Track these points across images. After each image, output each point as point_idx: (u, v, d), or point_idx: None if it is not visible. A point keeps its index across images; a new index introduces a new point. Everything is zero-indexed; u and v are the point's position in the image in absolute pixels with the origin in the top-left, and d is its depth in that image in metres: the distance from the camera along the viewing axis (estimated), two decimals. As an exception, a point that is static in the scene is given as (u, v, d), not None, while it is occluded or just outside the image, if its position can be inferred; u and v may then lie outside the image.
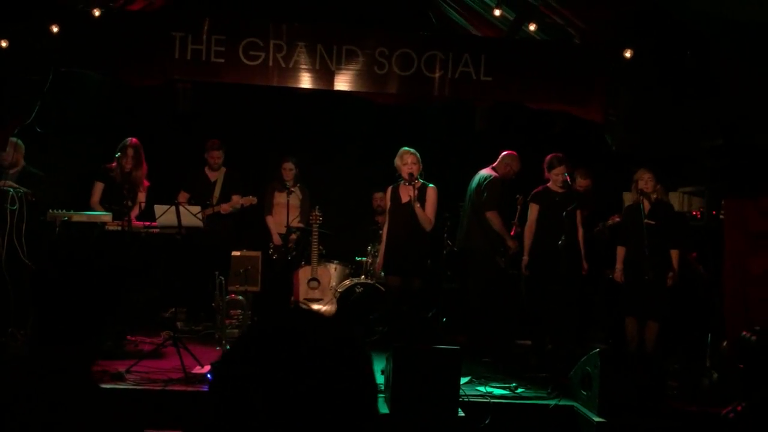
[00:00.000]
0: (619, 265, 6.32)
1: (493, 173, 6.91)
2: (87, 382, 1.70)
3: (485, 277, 6.78)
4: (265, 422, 0.97)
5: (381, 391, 5.02)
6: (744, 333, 5.16)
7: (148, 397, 4.76)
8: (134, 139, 6.67)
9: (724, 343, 5.86)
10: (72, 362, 1.72)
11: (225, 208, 7.15)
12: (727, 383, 5.55)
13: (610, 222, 7.04)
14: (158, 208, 6.18)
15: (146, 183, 6.75)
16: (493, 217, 6.70)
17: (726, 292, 6.14)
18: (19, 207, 5.91)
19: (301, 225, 7.53)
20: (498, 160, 7.02)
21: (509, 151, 7.04)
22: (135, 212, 6.49)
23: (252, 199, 7.20)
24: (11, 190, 5.94)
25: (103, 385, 4.79)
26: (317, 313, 1.18)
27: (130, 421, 1.68)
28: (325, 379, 1.00)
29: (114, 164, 6.67)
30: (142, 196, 6.65)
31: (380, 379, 5.23)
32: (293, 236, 7.56)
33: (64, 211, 6.02)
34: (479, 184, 6.87)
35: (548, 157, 6.54)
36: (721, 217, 6.54)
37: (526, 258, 6.48)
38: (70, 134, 7.50)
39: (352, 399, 1.02)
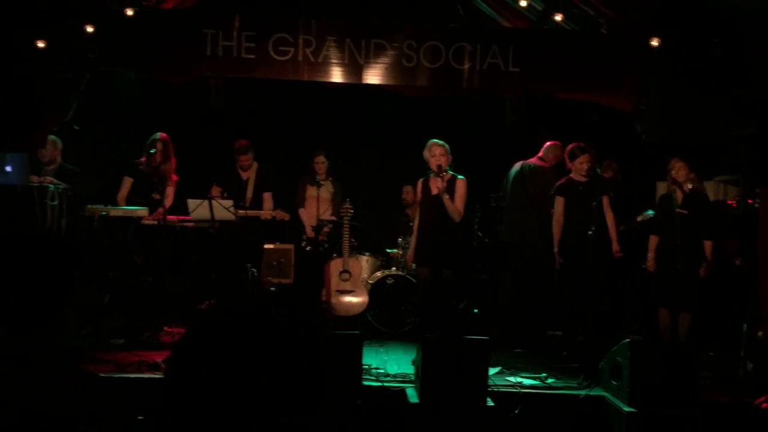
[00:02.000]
0: (651, 254, 6.27)
1: (544, 164, 6.92)
2: (69, 367, 1.69)
3: (539, 269, 6.76)
4: (216, 404, 0.99)
5: (411, 381, 5.08)
6: (777, 323, 5.09)
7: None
8: (163, 134, 6.74)
9: (760, 333, 5.79)
10: (32, 350, 1.69)
11: (265, 216, 7.17)
12: (762, 373, 5.49)
13: (639, 218, 6.99)
14: (191, 202, 6.30)
15: (175, 177, 6.83)
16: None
17: (761, 280, 6.06)
18: (59, 203, 6.10)
19: (332, 218, 7.61)
20: (544, 150, 7.01)
21: (553, 141, 7.03)
22: (161, 210, 6.50)
23: (285, 215, 7.25)
24: (51, 186, 6.12)
25: (141, 375, 4.95)
26: (273, 294, 1.19)
27: (119, 407, 1.67)
28: (275, 360, 1.02)
29: (143, 159, 6.77)
30: (170, 191, 6.73)
31: (410, 369, 5.29)
32: (326, 229, 7.65)
33: (102, 206, 6.18)
34: (536, 175, 6.86)
35: (570, 147, 6.47)
36: (756, 205, 6.45)
37: (556, 251, 6.46)
38: (106, 132, 7.70)
39: (302, 381, 1.03)
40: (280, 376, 1.02)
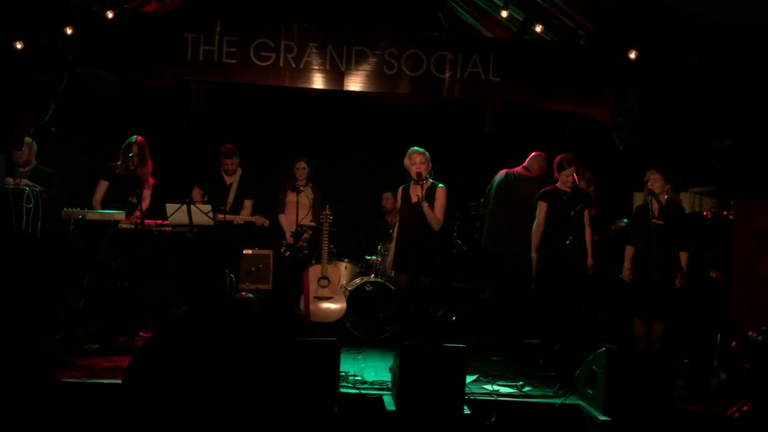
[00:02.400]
0: (627, 264, 6.34)
1: (530, 174, 6.99)
2: (36, 374, 1.67)
3: (521, 277, 6.79)
4: (173, 412, 0.99)
5: (388, 389, 5.08)
6: (750, 333, 5.15)
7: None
8: (139, 137, 6.69)
9: (733, 343, 5.86)
10: (17, 354, 1.68)
11: (238, 221, 7.15)
12: (735, 383, 5.55)
13: (613, 227, 7.06)
14: (170, 207, 6.26)
15: (151, 180, 6.78)
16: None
17: (734, 291, 6.14)
18: (35, 205, 6.03)
19: (312, 224, 7.60)
20: (530, 160, 7.09)
21: (538, 152, 7.11)
22: (137, 211, 6.45)
23: (264, 221, 7.24)
24: (27, 188, 6.06)
25: (116, 381, 4.90)
26: (243, 302, 1.19)
27: (89, 415, 1.65)
28: (233, 368, 1.02)
29: (119, 162, 6.71)
30: (147, 194, 6.67)
31: (388, 376, 5.29)
32: (305, 235, 7.63)
33: (78, 209, 6.12)
34: (521, 186, 6.92)
35: (558, 158, 6.57)
36: (731, 217, 6.54)
37: (534, 256, 6.51)
38: (83, 134, 7.63)
39: (260, 389, 1.04)
40: (238, 384, 1.02)
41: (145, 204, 6.62)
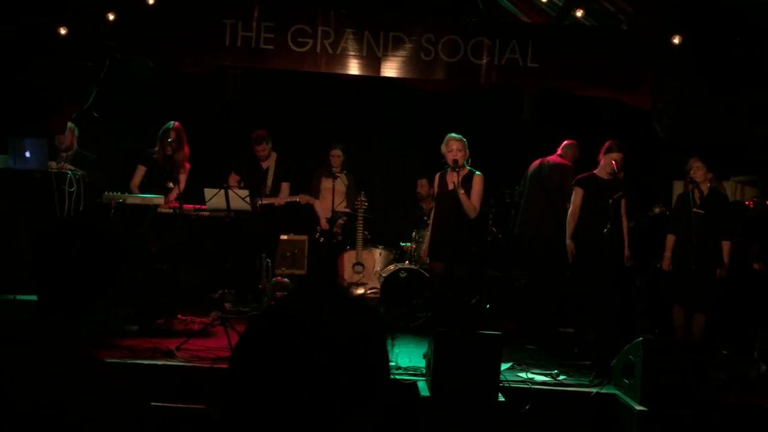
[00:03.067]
0: (667, 254, 6.24)
1: (566, 162, 6.92)
2: (85, 352, 1.73)
3: (555, 265, 6.75)
4: (279, 400, 1.00)
5: (422, 375, 5.10)
6: (792, 325, 5.06)
7: (197, 373, 4.92)
8: (176, 123, 6.75)
9: (774, 335, 5.76)
10: (68, 331, 1.75)
11: (279, 202, 7.21)
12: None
13: (650, 214, 6.94)
14: (208, 192, 6.33)
15: (188, 165, 6.84)
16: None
17: (777, 283, 6.02)
18: (77, 189, 6.15)
19: (347, 210, 7.63)
20: (564, 148, 7.01)
21: (571, 141, 7.04)
22: (174, 194, 6.52)
23: (309, 198, 7.27)
24: (69, 172, 6.18)
25: (154, 362, 5.00)
26: (349, 296, 1.20)
27: (130, 395, 1.70)
28: (338, 360, 1.03)
29: (156, 148, 6.79)
30: (182, 178, 6.74)
31: (422, 362, 5.30)
32: (340, 221, 7.67)
33: (118, 193, 6.23)
34: (555, 172, 6.87)
35: (609, 142, 6.41)
36: (774, 207, 6.40)
37: (570, 243, 6.41)
38: (123, 120, 7.74)
39: (361, 383, 1.05)
40: (344, 366, 1.03)
41: (181, 187, 6.69)
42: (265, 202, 6.99)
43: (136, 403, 1.74)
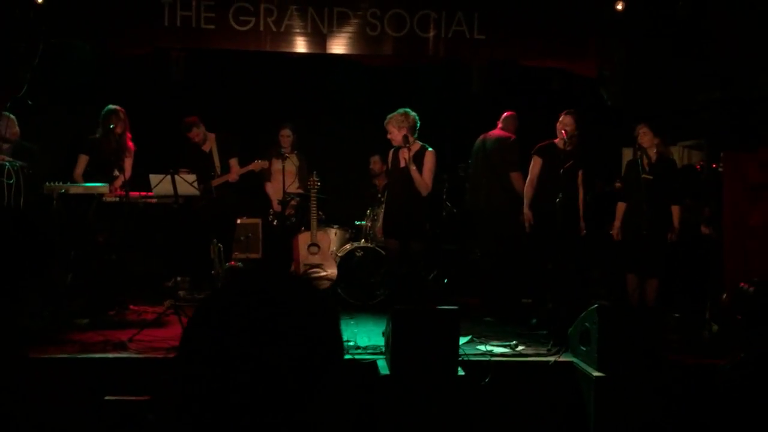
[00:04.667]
0: (617, 222, 6.31)
1: (507, 134, 6.90)
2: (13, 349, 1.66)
3: (507, 236, 6.78)
4: (228, 387, 0.96)
5: (382, 353, 5.07)
6: (742, 285, 5.17)
7: (152, 364, 4.80)
8: (117, 107, 6.52)
9: (724, 296, 5.88)
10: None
11: (233, 177, 7.07)
12: (727, 335, 5.57)
13: (617, 185, 7.01)
14: (154, 178, 6.16)
15: (132, 147, 6.63)
16: (518, 178, 6.70)
17: (725, 244, 6.14)
18: (16, 180, 5.92)
19: (299, 191, 7.52)
20: (504, 120, 6.99)
21: (510, 112, 7.02)
22: (119, 182, 6.33)
23: (264, 163, 7.17)
24: (7, 163, 5.93)
25: (106, 355, 4.86)
26: (287, 275, 1.15)
27: (59, 390, 1.63)
28: (288, 342, 0.99)
29: (97, 135, 6.56)
30: (128, 162, 6.53)
31: (381, 341, 5.27)
32: (293, 202, 7.57)
33: (60, 183, 6.01)
34: (498, 146, 6.85)
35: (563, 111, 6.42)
36: (720, 170, 6.51)
37: (528, 212, 6.42)
38: (62, 106, 7.46)
39: (314, 365, 1.01)
40: (291, 360, 0.99)
41: (127, 173, 6.49)
42: (219, 182, 6.84)
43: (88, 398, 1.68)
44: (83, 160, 6.52)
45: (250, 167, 7.07)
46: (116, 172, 6.38)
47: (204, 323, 1.03)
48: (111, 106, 6.43)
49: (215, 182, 6.77)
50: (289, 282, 1.08)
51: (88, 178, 6.47)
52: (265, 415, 0.96)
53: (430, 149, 6.17)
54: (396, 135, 6.02)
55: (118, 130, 6.35)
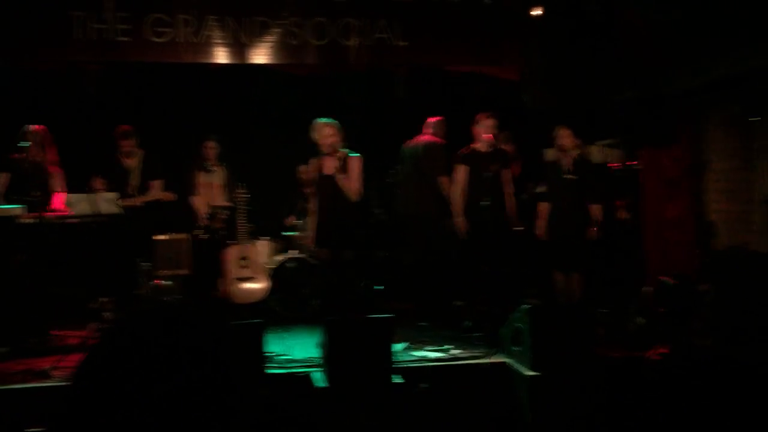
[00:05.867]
0: (541, 222, 6.44)
1: (436, 139, 6.95)
2: None
3: (438, 241, 6.82)
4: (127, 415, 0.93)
5: (318, 365, 5.01)
6: (661, 278, 5.35)
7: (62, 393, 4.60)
8: (36, 126, 6.27)
9: (647, 289, 6.07)
10: None
11: (137, 202, 6.82)
12: (651, 327, 5.75)
13: (537, 190, 7.16)
14: (72, 197, 5.93)
15: (58, 170, 6.38)
16: (446, 182, 6.74)
17: (645, 237, 6.35)
18: None
19: (227, 203, 7.38)
20: (433, 126, 7.03)
21: (438, 117, 7.08)
22: (55, 202, 6.10)
23: (171, 196, 6.95)
24: None
25: (27, 385, 4.64)
26: (173, 308, 1.12)
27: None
28: (182, 381, 0.96)
29: (18, 156, 6.26)
30: (56, 183, 6.29)
31: (316, 353, 5.21)
32: (220, 215, 7.41)
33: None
34: (426, 151, 6.88)
35: (477, 115, 6.51)
36: (639, 166, 6.74)
37: (460, 219, 6.48)
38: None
39: (211, 400, 0.98)
40: (191, 383, 0.97)
41: (57, 200, 6.21)
42: (125, 203, 6.57)
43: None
44: (3, 178, 6.24)
45: (154, 196, 6.86)
46: (38, 194, 6.10)
47: (98, 359, 1.01)
48: (27, 126, 6.16)
49: (128, 202, 6.53)
50: (177, 326, 1.04)
51: (6, 198, 6.17)
52: None
53: (355, 154, 6.16)
54: (330, 140, 5.98)
55: (32, 151, 6.09)
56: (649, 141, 6.78)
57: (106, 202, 5.90)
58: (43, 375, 4.84)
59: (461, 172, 6.50)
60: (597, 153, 7.66)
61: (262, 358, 4.74)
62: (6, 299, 5.75)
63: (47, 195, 6.15)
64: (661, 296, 5.34)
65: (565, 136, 6.30)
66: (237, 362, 1.06)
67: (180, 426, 0.93)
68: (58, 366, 4.99)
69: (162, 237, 7.27)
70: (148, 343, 0.98)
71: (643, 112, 6.81)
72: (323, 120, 6.07)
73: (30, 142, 6.09)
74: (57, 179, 6.33)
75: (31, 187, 6.08)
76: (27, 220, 5.95)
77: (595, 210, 6.31)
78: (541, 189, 7.13)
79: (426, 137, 7.05)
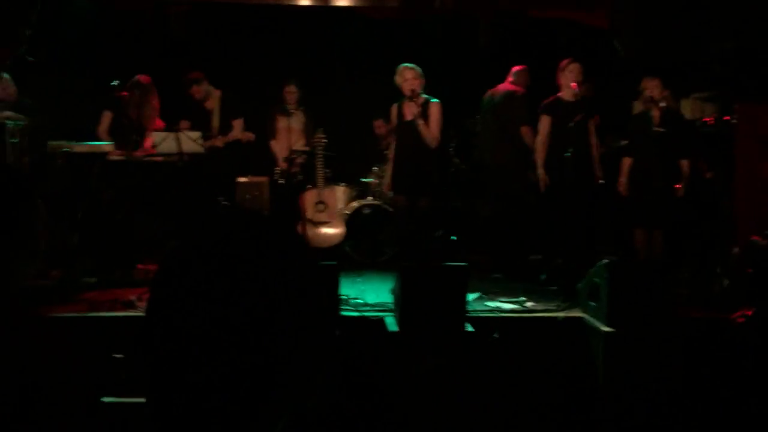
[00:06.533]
0: (623, 178, 6.21)
1: (517, 89, 6.78)
2: (26, 312, 1.58)
3: (516, 193, 6.72)
4: (205, 341, 0.89)
5: (390, 310, 5.06)
6: (754, 238, 5.11)
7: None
8: (144, 77, 6.42)
9: (735, 249, 5.82)
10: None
11: (217, 143, 6.93)
12: (737, 289, 5.53)
13: (614, 145, 6.91)
14: (157, 135, 6.09)
15: (160, 123, 6.53)
16: (528, 132, 6.60)
17: (737, 197, 6.07)
18: (20, 139, 5.86)
19: (305, 148, 7.44)
20: (515, 75, 6.86)
21: (521, 66, 6.88)
22: (140, 152, 6.28)
23: (250, 135, 7.03)
24: (9, 122, 5.86)
25: (115, 314, 4.87)
26: (250, 213, 1.06)
27: (67, 349, 1.56)
28: (266, 288, 0.91)
29: (126, 94, 6.40)
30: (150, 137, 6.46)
31: (389, 298, 5.26)
32: (299, 160, 7.49)
33: (64, 142, 5.94)
34: (507, 100, 6.74)
35: (562, 62, 6.29)
36: (734, 122, 6.40)
37: (541, 171, 6.32)
38: (63, 63, 7.35)
39: (296, 309, 0.94)
40: (270, 308, 0.92)
41: (147, 144, 6.41)
42: (207, 144, 6.69)
43: (96, 357, 1.61)
44: (107, 117, 6.45)
45: (240, 136, 6.93)
46: (137, 138, 6.29)
47: (168, 281, 0.95)
48: (135, 78, 6.34)
49: (209, 143, 6.65)
50: (267, 235, 0.98)
51: (112, 136, 6.38)
52: (236, 378, 0.89)
53: (435, 100, 6.08)
54: (414, 83, 5.92)
55: (137, 101, 6.28)
56: (746, 96, 6.40)
57: (190, 141, 6.03)
58: (129, 305, 5.07)
59: (545, 123, 6.31)
60: (690, 106, 7.31)
61: (337, 300, 4.81)
62: (95, 233, 6.01)
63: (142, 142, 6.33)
64: (750, 256, 5.11)
65: (654, 87, 6.01)
66: (320, 296, 1.01)
67: (259, 351, 0.90)
68: (143, 297, 5.21)
69: (242, 179, 7.42)
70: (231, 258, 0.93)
71: (741, 64, 6.42)
72: (407, 64, 6.01)
73: (135, 93, 6.25)
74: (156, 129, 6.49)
75: (131, 132, 6.26)
76: (116, 158, 6.17)
77: (685, 166, 6.04)
78: (622, 143, 6.88)
79: (507, 86, 6.88)
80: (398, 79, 6.03)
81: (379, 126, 7.97)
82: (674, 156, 6.02)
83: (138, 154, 6.23)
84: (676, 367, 4.57)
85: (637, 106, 6.67)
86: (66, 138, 6.01)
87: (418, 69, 5.99)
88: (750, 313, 4.74)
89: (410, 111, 6.03)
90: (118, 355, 3.32)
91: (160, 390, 0.92)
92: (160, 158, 6.29)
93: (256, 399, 0.91)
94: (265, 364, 0.91)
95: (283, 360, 0.92)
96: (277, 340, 0.92)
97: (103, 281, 5.77)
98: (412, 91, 5.93)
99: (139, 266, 6.36)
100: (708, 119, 7.02)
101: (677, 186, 6.00)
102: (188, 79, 6.91)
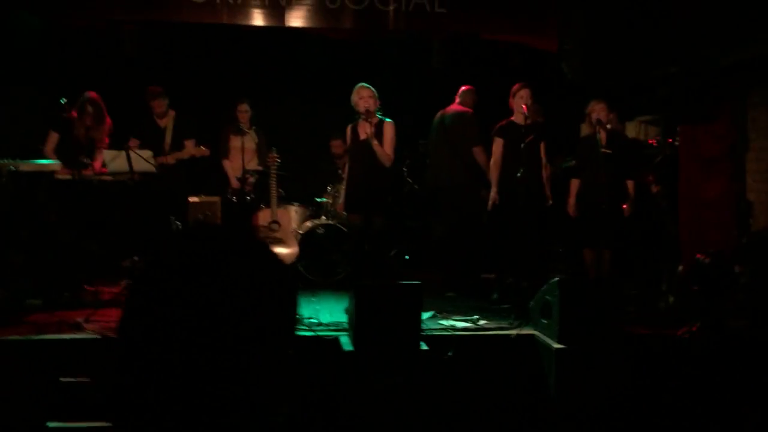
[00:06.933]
0: (572, 199, 6.36)
1: (465, 109, 6.88)
2: None
3: (469, 212, 6.79)
4: (169, 366, 0.90)
5: (345, 330, 5.04)
6: (698, 256, 5.27)
7: (107, 345, 4.70)
8: (92, 94, 6.34)
9: (680, 267, 5.99)
10: None
11: (169, 160, 6.86)
12: (682, 306, 5.69)
13: (563, 165, 7.07)
14: (108, 154, 6.00)
15: (107, 140, 6.45)
16: (480, 152, 6.69)
17: (681, 216, 6.25)
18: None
19: (258, 167, 7.40)
20: (462, 95, 6.96)
21: (468, 86, 6.99)
22: (89, 171, 6.15)
23: (204, 151, 6.97)
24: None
25: (61, 336, 4.74)
26: (209, 226, 1.06)
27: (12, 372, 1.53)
28: (237, 317, 0.92)
29: (74, 114, 6.30)
30: (99, 154, 6.35)
31: (344, 317, 5.24)
32: (251, 179, 7.44)
33: (9, 160, 5.80)
34: (457, 121, 6.83)
35: (515, 86, 6.43)
36: (677, 143, 6.61)
37: (494, 192, 6.43)
38: (10, 81, 7.20)
39: (271, 319, 0.95)
40: (249, 316, 0.93)
41: (97, 165, 6.32)
42: (159, 161, 6.62)
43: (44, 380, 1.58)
44: (53, 137, 6.33)
45: (194, 151, 6.87)
46: (85, 159, 6.18)
47: (142, 297, 0.95)
48: (85, 94, 6.25)
49: (161, 160, 6.60)
50: (241, 248, 0.99)
51: (58, 156, 6.26)
52: (209, 392, 0.89)
53: (388, 120, 6.13)
54: (369, 103, 5.96)
55: (86, 119, 6.18)
56: (688, 118, 6.63)
57: (141, 159, 5.95)
58: (77, 327, 4.94)
59: (498, 146, 6.44)
60: (635, 129, 7.54)
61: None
62: (41, 253, 5.85)
63: (92, 162, 6.23)
64: (696, 274, 5.26)
65: (600, 110, 6.17)
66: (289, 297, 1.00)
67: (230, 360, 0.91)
68: (91, 319, 5.09)
69: (195, 199, 7.34)
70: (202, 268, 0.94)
71: (683, 88, 6.65)
72: (364, 84, 6.07)
73: (86, 110, 6.16)
74: (102, 149, 6.38)
75: (81, 152, 6.15)
76: (63, 176, 6.04)
77: (631, 186, 6.21)
78: (568, 164, 7.04)
79: (455, 107, 6.98)
80: (354, 97, 6.07)
81: (337, 146, 7.99)
82: (621, 177, 6.19)
83: (87, 173, 6.11)
84: (625, 381, 4.66)
85: (585, 129, 6.84)
86: (11, 156, 5.86)
87: (373, 89, 6.05)
88: (695, 329, 4.88)
89: (364, 130, 6.07)
90: (67, 380, 3.23)
91: (131, 409, 0.91)
92: (110, 177, 6.18)
93: (230, 403, 0.91)
94: (238, 365, 0.91)
95: (255, 360, 0.92)
96: (248, 342, 0.92)
97: (49, 303, 5.61)
98: (367, 110, 5.97)
99: (87, 288, 6.22)
100: (651, 141, 7.26)
101: (624, 206, 6.16)
102: (153, 92, 6.84)
